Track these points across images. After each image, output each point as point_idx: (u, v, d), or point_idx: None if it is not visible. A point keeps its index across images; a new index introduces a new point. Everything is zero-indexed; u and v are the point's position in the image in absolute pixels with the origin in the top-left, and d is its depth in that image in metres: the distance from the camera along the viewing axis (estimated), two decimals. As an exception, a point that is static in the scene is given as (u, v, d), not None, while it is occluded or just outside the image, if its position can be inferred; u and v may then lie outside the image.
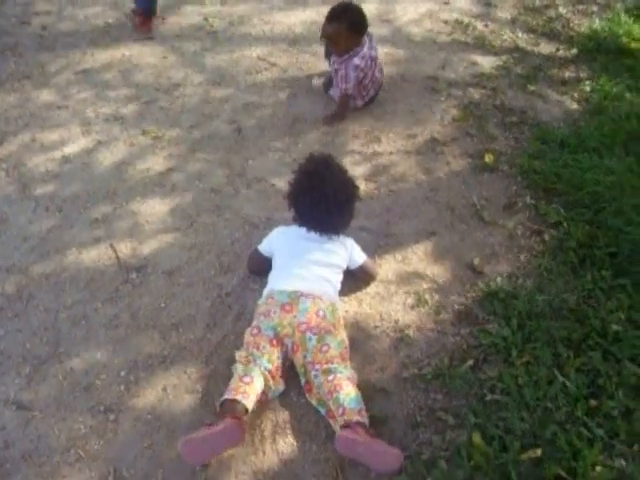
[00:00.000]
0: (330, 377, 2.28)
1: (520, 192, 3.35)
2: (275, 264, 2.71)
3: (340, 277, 2.71)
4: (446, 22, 5.16)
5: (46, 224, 3.16)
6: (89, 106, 4.04)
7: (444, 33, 4.99)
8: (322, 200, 2.60)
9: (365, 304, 2.75)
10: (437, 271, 2.90)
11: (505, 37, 4.94)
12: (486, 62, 4.57)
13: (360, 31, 3.72)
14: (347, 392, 2.23)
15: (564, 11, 5.40)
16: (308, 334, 2.39)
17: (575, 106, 4.08)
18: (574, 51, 4.73)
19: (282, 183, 3.34)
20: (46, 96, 4.14)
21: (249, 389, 2.23)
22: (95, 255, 2.98)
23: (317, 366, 2.33)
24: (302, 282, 2.56)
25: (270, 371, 2.32)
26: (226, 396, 2.23)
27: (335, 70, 3.82)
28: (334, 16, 3.68)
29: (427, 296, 2.78)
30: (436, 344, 2.58)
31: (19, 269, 2.93)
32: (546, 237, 3.05)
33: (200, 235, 3.08)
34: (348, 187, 2.70)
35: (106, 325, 2.66)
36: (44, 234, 3.10)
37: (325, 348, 2.35)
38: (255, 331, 2.43)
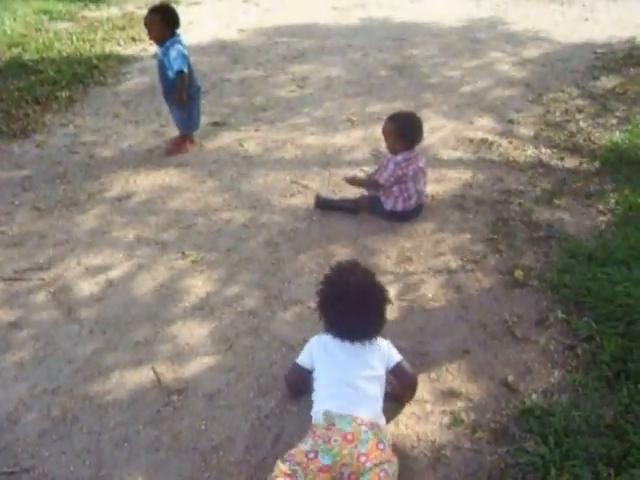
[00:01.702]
0: None
1: (551, 307, 3.40)
2: (320, 377, 2.67)
3: (383, 388, 2.67)
4: (471, 140, 5.37)
5: (90, 347, 3.27)
6: (131, 231, 4.23)
7: (469, 151, 5.19)
8: (350, 307, 2.60)
9: (402, 424, 2.77)
10: (472, 389, 2.93)
11: (529, 153, 5.13)
12: (512, 178, 4.73)
13: (406, 135, 4.08)
14: None
15: (584, 125, 5.60)
16: (368, 465, 2.35)
17: (601, 218, 4.18)
18: (597, 164, 4.88)
19: (317, 304, 3.45)
20: (91, 221, 4.36)
21: None
22: (137, 378, 3.06)
23: None
24: (358, 405, 2.51)
25: None
26: None
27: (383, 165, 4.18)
28: (393, 118, 4.13)
29: (463, 415, 2.79)
30: (473, 464, 2.58)
31: (64, 391, 3.01)
32: (579, 351, 3.07)
33: (239, 358, 3.16)
34: (376, 291, 2.69)
35: (147, 448, 2.71)
36: (88, 356, 3.20)
37: (383, 474, 2.32)
38: (312, 455, 2.38)
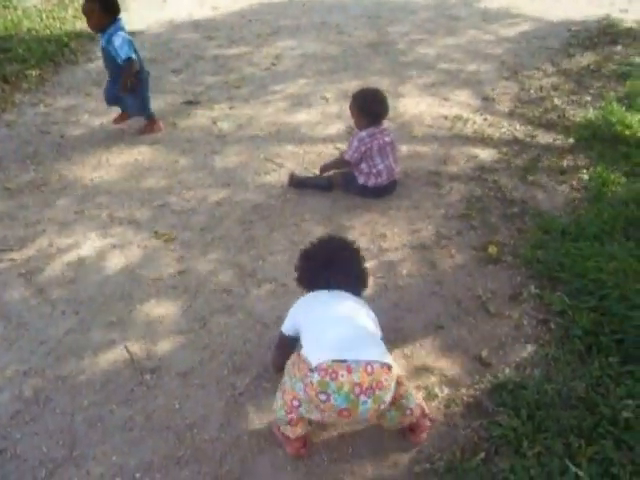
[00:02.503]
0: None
1: (525, 282, 3.42)
2: (312, 327, 2.49)
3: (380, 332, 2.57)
4: (446, 117, 5.36)
5: (62, 327, 3.24)
6: (104, 210, 4.18)
7: (444, 128, 5.18)
8: (329, 261, 2.68)
9: (376, 399, 2.78)
10: (446, 364, 2.94)
11: (504, 130, 5.13)
12: (486, 155, 4.73)
13: (369, 111, 4.12)
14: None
15: (559, 102, 5.61)
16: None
17: (574, 194, 4.20)
18: (571, 140, 4.90)
19: (292, 283, 3.42)
20: (63, 202, 4.30)
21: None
22: (110, 357, 3.04)
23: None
24: (361, 347, 2.34)
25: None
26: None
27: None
28: (355, 95, 4.22)
29: (437, 390, 2.81)
30: (447, 438, 2.60)
31: (36, 372, 2.98)
32: (552, 326, 3.11)
33: (212, 336, 3.15)
34: (349, 246, 2.79)
35: (121, 427, 2.70)
36: (61, 337, 3.17)
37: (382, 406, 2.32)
38: (324, 397, 2.26)
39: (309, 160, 4.68)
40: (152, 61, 6.74)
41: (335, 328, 2.42)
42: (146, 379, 2.92)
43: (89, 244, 3.87)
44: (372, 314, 2.61)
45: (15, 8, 8.71)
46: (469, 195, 4.23)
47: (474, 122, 5.28)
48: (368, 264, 3.54)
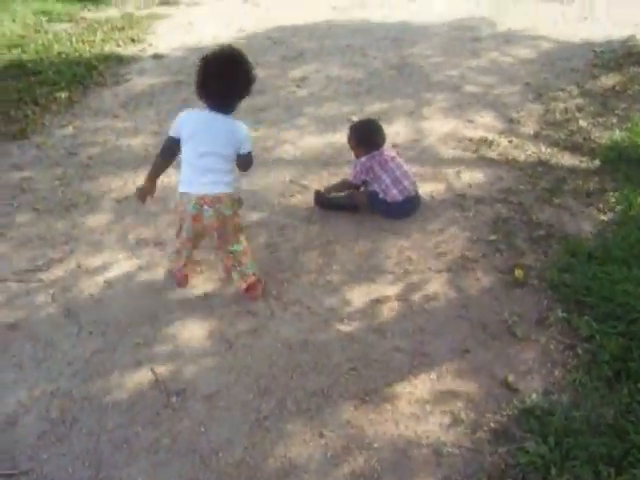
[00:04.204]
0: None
1: (551, 306, 3.40)
2: (182, 154, 3.36)
3: (229, 164, 3.35)
4: (470, 139, 5.36)
5: (89, 348, 3.27)
6: (130, 232, 4.23)
7: (469, 150, 5.18)
8: (212, 72, 3.22)
9: (402, 425, 2.77)
10: (472, 389, 2.93)
11: (529, 152, 5.12)
12: (512, 177, 4.72)
13: (365, 143, 4.27)
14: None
15: (584, 124, 5.59)
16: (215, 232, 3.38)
17: (601, 217, 4.18)
18: (597, 162, 4.88)
19: (317, 305, 3.46)
20: (90, 223, 4.35)
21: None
22: (137, 379, 3.06)
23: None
24: (200, 184, 3.25)
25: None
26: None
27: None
28: (350, 128, 4.41)
29: (463, 415, 2.79)
30: (473, 464, 2.58)
31: (63, 392, 3.01)
32: (579, 351, 3.07)
33: (238, 358, 3.16)
34: (237, 65, 3.27)
35: (147, 449, 2.71)
36: (88, 358, 3.20)
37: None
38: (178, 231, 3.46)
39: (333, 182, 4.68)
40: (179, 84, 6.84)
41: (192, 164, 3.28)
42: (172, 401, 2.93)
43: (116, 265, 3.90)
44: (241, 134, 3.35)
45: (46, 32, 8.89)
46: (495, 218, 4.22)
47: (499, 144, 5.28)
48: (394, 287, 3.60)
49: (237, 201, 3.45)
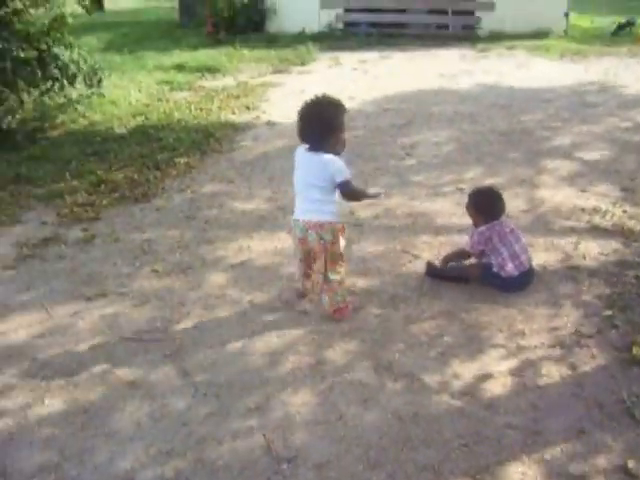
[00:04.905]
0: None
1: (675, 388, 3.25)
2: None
3: (330, 194, 3.79)
4: (583, 209, 5.28)
5: (204, 410, 3.34)
6: (245, 296, 4.34)
7: (582, 220, 5.09)
8: (300, 116, 3.80)
9: (516, 508, 2.69)
10: (589, 473, 2.80)
11: (646, 222, 4.97)
12: (627, 249, 4.59)
13: (484, 212, 4.25)
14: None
15: None
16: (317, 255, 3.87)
17: None
18: None
19: (427, 378, 3.44)
20: (206, 285, 4.51)
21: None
22: (248, 444, 3.11)
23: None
24: (305, 211, 3.83)
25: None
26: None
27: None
28: (470, 195, 4.44)
29: (580, 501, 2.69)
30: None
31: (178, 453, 3.08)
32: None
33: (348, 428, 3.16)
34: (322, 109, 3.78)
35: (258, 516, 2.75)
36: (201, 420, 3.28)
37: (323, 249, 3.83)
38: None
39: (445, 251, 4.67)
40: (291, 150, 6.95)
41: (299, 194, 3.91)
42: (282, 468, 2.95)
43: (230, 329, 4.01)
44: (331, 167, 3.73)
45: (167, 100, 9.44)
46: (610, 291, 4.10)
47: (613, 214, 5.16)
48: (505, 362, 3.54)
49: (337, 229, 3.87)
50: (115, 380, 3.58)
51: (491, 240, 4.14)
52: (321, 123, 3.76)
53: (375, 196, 4.23)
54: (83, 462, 3.01)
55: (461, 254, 4.40)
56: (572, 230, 4.97)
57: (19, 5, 7.76)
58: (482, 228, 4.17)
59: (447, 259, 4.43)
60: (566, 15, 14.12)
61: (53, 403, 3.40)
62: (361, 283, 4.41)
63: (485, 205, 4.28)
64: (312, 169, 3.80)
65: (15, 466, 2.99)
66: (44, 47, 7.89)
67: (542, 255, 4.54)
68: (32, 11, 8.00)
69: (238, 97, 9.62)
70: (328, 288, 3.92)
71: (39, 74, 7.72)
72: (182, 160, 6.91)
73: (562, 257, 4.57)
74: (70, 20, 8.20)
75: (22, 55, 7.55)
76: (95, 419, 3.29)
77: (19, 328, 4.06)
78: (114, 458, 3.04)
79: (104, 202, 5.90)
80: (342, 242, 3.91)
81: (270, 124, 8.24)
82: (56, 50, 7.92)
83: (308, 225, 3.79)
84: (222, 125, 8.17)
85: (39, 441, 3.15)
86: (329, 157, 3.75)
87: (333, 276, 3.89)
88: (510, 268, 4.12)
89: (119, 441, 3.15)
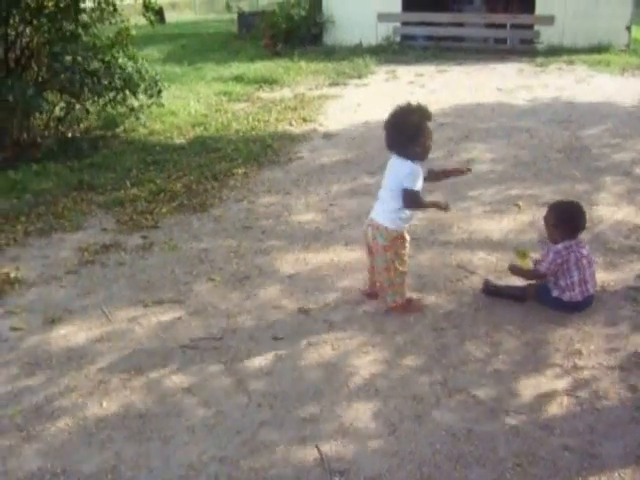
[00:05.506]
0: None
1: None
2: None
3: (396, 200, 3.95)
4: (645, 228, 5.17)
5: (257, 419, 3.38)
6: (301, 307, 4.38)
7: (643, 240, 4.98)
8: (386, 124, 3.95)
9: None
10: (649, 501, 2.76)
11: None
12: (691, 270, 4.48)
13: (566, 225, 4.11)
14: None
15: None
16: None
17: None
18: None
19: (482, 395, 3.42)
20: (261, 297, 4.55)
21: None
22: (301, 455, 3.13)
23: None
24: (376, 212, 4.11)
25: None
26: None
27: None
28: (552, 207, 4.28)
29: (640, 528, 2.64)
30: None
31: (231, 461, 3.12)
32: None
33: (401, 443, 3.15)
34: (405, 116, 3.90)
35: (308, 527, 2.77)
36: (255, 429, 3.31)
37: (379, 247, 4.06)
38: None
39: (501, 268, 4.65)
40: (347, 162, 7.12)
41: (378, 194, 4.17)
42: (335, 480, 2.98)
43: (286, 339, 4.05)
44: (402, 173, 3.92)
45: (226, 111, 9.60)
46: (672, 314, 4.02)
47: (677, 234, 5.04)
48: (562, 381, 3.49)
49: (393, 236, 4.04)
50: (171, 386, 3.65)
51: (568, 262, 4.03)
52: (403, 130, 3.90)
53: (440, 206, 4.25)
54: (139, 465, 3.08)
55: (532, 274, 4.25)
56: (632, 249, 4.87)
57: (87, 19, 8.02)
58: (559, 247, 4.05)
59: (515, 271, 4.29)
60: (628, 29, 13.83)
61: (110, 406, 3.50)
62: (416, 297, 4.40)
63: (567, 219, 4.13)
64: (390, 173, 4.03)
65: (74, 467, 3.09)
66: (109, 58, 8.14)
67: (601, 275, 4.46)
68: (98, 25, 8.26)
69: (295, 109, 9.72)
70: (380, 289, 4.24)
71: (104, 84, 7.95)
72: (240, 170, 7.01)
73: (621, 277, 4.49)
74: (133, 32, 8.45)
75: (89, 67, 7.79)
76: (151, 423, 3.37)
77: (79, 331, 4.19)
78: (169, 463, 3.10)
79: (163, 210, 6.04)
80: (403, 252, 4.10)
81: (327, 136, 8.30)
82: (121, 61, 8.16)
83: (370, 222, 4.10)
84: (279, 136, 8.27)
85: (97, 443, 3.24)
86: (406, 164, 3.93)
87: (386, 282, 4.14)
88: (575, 293, 4.05)
89: (174, 446, 3.21)
